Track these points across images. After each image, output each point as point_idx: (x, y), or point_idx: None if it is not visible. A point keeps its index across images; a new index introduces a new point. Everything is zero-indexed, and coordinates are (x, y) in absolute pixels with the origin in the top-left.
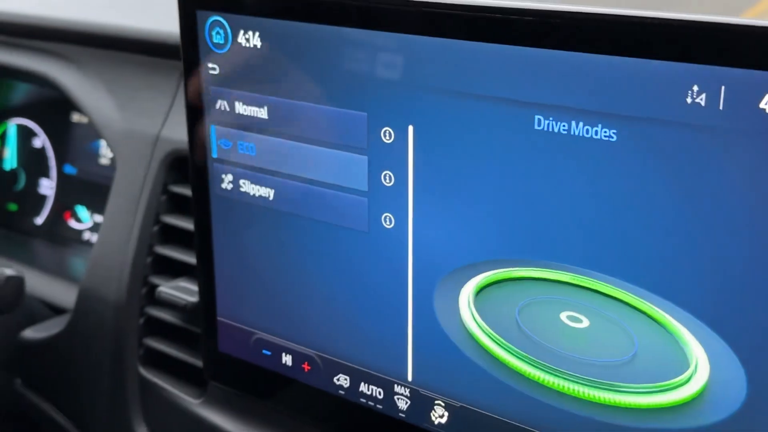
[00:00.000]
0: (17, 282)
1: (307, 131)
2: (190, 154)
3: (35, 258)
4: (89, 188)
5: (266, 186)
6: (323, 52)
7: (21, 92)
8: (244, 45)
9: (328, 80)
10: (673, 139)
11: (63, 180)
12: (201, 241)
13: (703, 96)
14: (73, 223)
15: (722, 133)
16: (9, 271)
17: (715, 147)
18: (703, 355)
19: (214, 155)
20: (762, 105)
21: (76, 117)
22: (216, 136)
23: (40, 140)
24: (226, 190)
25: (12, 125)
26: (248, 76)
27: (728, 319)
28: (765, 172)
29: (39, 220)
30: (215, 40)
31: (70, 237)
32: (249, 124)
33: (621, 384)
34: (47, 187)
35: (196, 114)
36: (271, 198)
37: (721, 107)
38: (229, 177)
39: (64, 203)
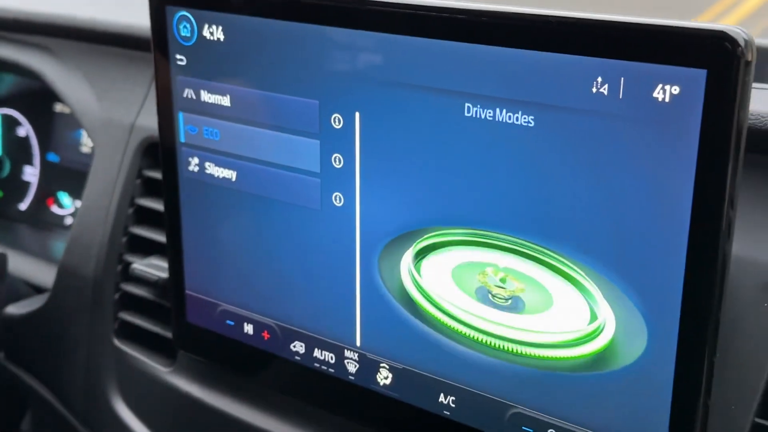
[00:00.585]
0: (1, 258)
1: (266, 117)
2: (160, 138)
3: (19, 241)
4: (71, 175)
5: (229, 168)
6: (279, 46)
7: (6, 83)
8: (208, 38)
9: (283, 71)
10: (581, 124)
11: (46, 167)
12: (170, 220)
13: (606, 86)
14: (55, 209)
15: (621, 118)
16: None
17: (615, 130)
18: (610, 313)
19: (182, 140)
20: (654, 94)
21: (59, 107)
22: (183, 122)
23: (25, 129)
24: (192, 172)
25: None
26: (212, 66)
27: (631, 275)
28: (655, 150)
29: (23, 206)
30: (182, 33)
31: (52, 222)
32: (213, 111)
33: (540, 341)
34: (31, 174)
35: (165, 102)
36: (233, 179)
37: (621, 96)
38: (196, 160)
39: (47, 190)
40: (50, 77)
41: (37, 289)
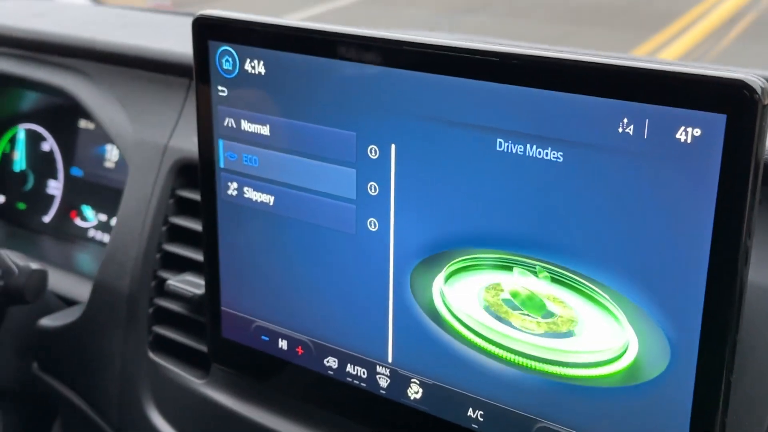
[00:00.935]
0: (41, 275)
1: (304, 147)
2: (200, 163)
3: (43, 253)
4: (95, 189)
5: (267, 193)
6: (318, 81)
7: (30, 100)
8: (250, 72)
9: (322, 104)
10: (607, 160)
11: (70, 181)
12: (208, 240)
13: (631, 127)
14: (79, 222)
15: (646, 156)
16: (34, 265)
17: (640, 167)
18: (633, 334)
19: (222, 165)
20: (677, 136)
21: (83, 123)
22: (223, 149)
23: (49, 144)
24: (231, 195)
25: (21, 130)
26: (253, 98)
27: (655, 298)
28: (678, 185)
29: (47, 219)
30: (225, 67)
31: (76, 234)
32: (253, 140)
33: (567, 361)
34: (55, 187)
35: (206, 129)
36: (271, 204)
37: (645, 136)
38: (234, 185)
39: (71, 203)
40: (84, 99)
41: (63, 300)
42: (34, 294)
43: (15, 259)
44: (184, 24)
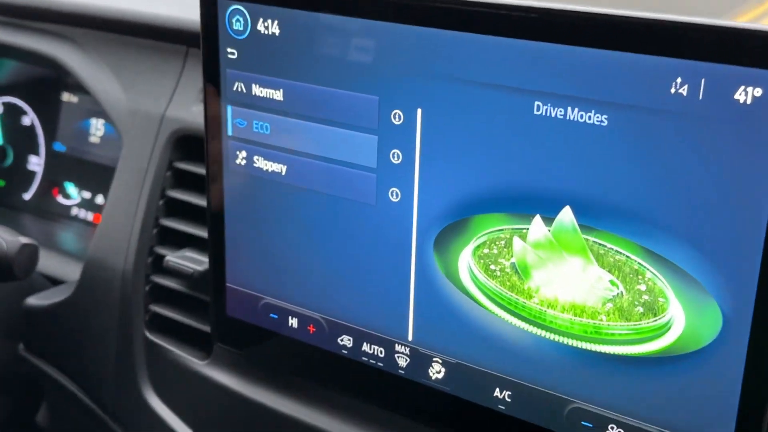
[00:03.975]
0: (32, 249)
1: (321, 112)
2: (205, 131)
3: (24, 231)
4: (78, 166)
5: (279, 162)
6: (339, 41)
7: (10, 71)
8: (262, 32)
9: (342, 66)
10: (657, 123)
11: (52, 157)
12: (213, 212)
13: (686, 87)
14: (61, 199)
15: (701, 119)
16: (24, 239)
17: (694, 130)
18: (679, 307)
19: (230, 133)
20: (736, 96)
21: (66, 96)
22: (232, 115)
23: (29, 118)
24: (239, 165)
25: (0, 103)
26: (265, 60)
27: (709, 267)
28: (735, 150)
29: (27, 196)
30: (235, 27)
31: (58, 212)
32: (264, 105)
33: (604, 336)
34: (36, 163)
35: (213, 95)
36: (283, 173)
37: (701, 97)
38: (243, 153)
39: (53, 180)
40: (73, 67)
41: (49, 280)
42: (24, 270)
43: (2, 233)
44: None
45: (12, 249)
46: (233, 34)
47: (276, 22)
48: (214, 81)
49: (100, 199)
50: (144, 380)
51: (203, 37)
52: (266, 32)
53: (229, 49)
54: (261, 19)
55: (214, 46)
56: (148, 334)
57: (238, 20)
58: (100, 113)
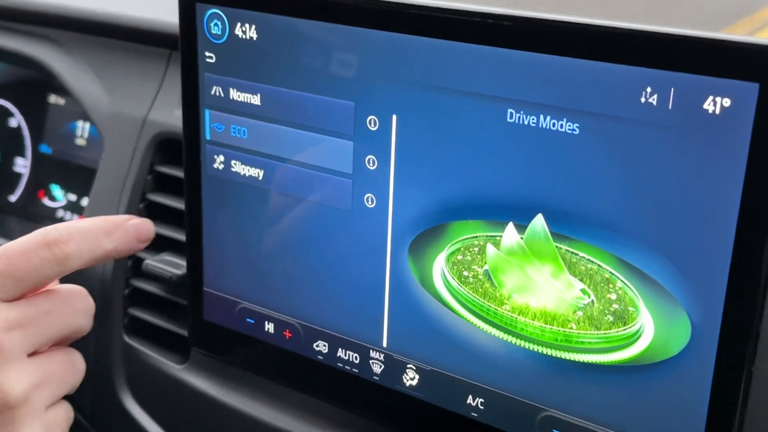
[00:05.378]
0: None
1: (297, 117)
2: (184, 135)
3: (9, 234)
4: (65, 168)
5: (256, 167)
6: (315, 46)
7: None
8: (240, 37)
9: (318, 72)
10: (628, 132)
11: (38, 159)
12: (191, 216)
13: (655, 96)
14: (47, 201)
15: (670, 128)
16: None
17: (663, 140)
18: (648, 316)
19: (207, 137)
20: (705, 106)
21: (53, 98)
22: (210, 119)
23: (16, 120)
24: (217, 169)
25: None
26: (243, 65)
27: (677, 276)
28: (704, 159)
29: (13, 198)
30: (213, 31)
31: (44, 215)
32: (242, 110)
33: (574, 345)
34: (22, 165)
35: (191, 99)
36: (260, 178)
37: (670, 107)
38: (221, 158)
39: (39, 182)
40: (56, 69)
41: None
42: None
43: None
44: None
45: None
46: (211, 38)
47: (254, 26)
48: (192, 85)
49: (85, 202)
50: (122, 384)
51: (182, 41)
52: (244, 37)
53: (207, 53)
54: (239, 24)
55: (193, 49)
56: (126, 338)
57: (216, 24)
58: (87, 116)
